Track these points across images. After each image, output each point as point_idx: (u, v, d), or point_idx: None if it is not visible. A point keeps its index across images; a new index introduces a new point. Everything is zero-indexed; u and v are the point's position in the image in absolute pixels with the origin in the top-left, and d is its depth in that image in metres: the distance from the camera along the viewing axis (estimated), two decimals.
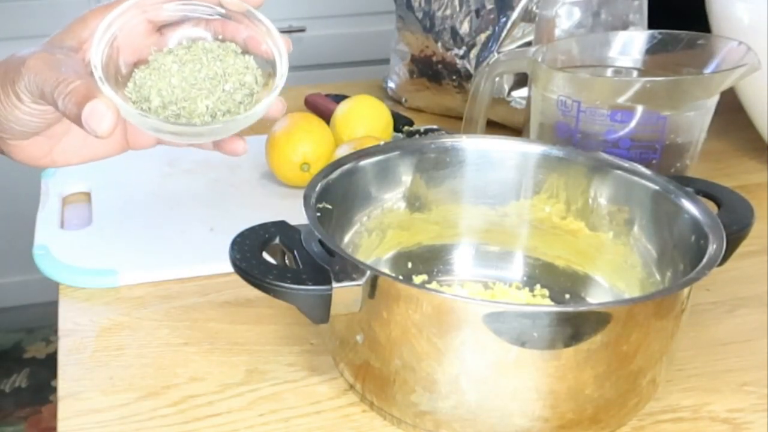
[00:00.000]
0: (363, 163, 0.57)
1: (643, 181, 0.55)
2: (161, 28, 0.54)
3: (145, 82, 0.51)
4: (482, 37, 0.88)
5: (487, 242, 0.61)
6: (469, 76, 0.89)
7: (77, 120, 0.47)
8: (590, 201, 0.58)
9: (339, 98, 0.90)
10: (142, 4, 0.52)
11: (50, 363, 1.85)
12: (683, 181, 0.55)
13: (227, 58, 0.52)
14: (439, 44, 0.92)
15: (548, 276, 0.60)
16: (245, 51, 0.53)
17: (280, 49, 0.51)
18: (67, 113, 0.47)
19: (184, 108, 0.50)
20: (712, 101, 0.65)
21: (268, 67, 0.52)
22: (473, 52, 0.89)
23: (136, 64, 0.53)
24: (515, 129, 0.88)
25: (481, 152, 0.60)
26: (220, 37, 0.54)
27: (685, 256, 0.50)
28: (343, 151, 0.73)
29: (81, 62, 0.51)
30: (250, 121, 0.50)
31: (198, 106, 0.50)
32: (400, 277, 0.59)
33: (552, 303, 0.58)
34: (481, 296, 0.59)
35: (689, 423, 0.50)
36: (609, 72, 0.72)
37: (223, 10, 0.53)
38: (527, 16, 0.85)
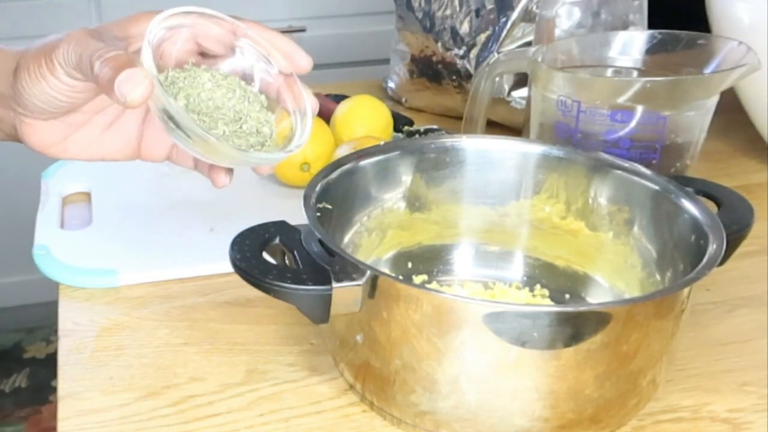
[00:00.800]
0: (363, 163, 0.57)
1: (643, 181, 0.55)
2: (205, 54, 0.54)
3: (177, 83, 0.51)
4: (482, 37, 0.88)
5: (487, 242, 0.61)
6: (469, 76, 0.89)
7: (110, 84, 0.45)
8: (590, 201, 0.58)
9: (339, 98, 0.90)
10: (198, 24, 0.52)
11: (50, 363, 1.85)
12: (683, 181, 0.55)
13: (254, 104, 0.52)
14: (439, 44, 0.92)
15: (548, 276, 0.60)
16: (271, 106, 0.53)
17: (306, 118, 0.52)
18: (101, 77, 0.46)
19: (204, 122, 0.50)
20: (712, 101, 0.65)
21: (287, 127, 0.53)
22: (473, 52, 0.89)
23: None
24: (515, 129, 0.88)
25: (481, 152, 0.60)
26: (253, 83, 0.54)
27: (685, 256, 0.50)
28: (343, 151, 0.73)
29: (124, 48, 0.50)
30: (266, 161, 0.50)
31: (218, 126, 0.50)
32: (400, 277, 0.59)
33: (552, 303, 0.58)
34: (481, 296, 0.59)
35: (689, 423, 0.50)
36: (609, 72, 0.72)
37: (266, 59, 0.53)
38: (527, 16, 0.85)
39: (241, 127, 0.51)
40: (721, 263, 0.47)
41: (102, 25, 0.52)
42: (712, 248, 0.47)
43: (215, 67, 0.53)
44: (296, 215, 0.50)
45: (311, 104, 0.52)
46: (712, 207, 0.53)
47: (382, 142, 0.62)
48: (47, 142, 0.54)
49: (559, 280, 0.59)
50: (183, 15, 0.51)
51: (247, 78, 0.53)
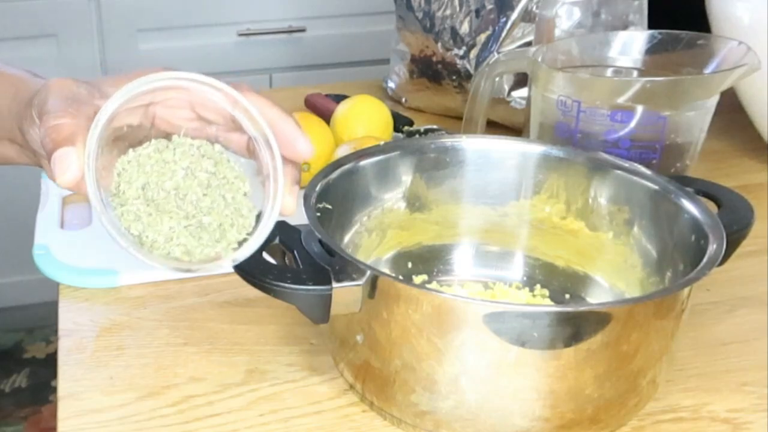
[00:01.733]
0: (363, 163, 0.57)
1: (643, 181, 0.55)
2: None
3: (143, 165, 0.46)
4: (482, 37, 0.88)
5: (487, 242, 0.61)
6: (469, 76, 0.89)
7: (49, 158, 0.43)
8: (590, 201, 0.58)
9: (339, 98, 0.90)
10: (195, 91, 0.46)
11: (50, 363, 1.84)
12: (683, 181, 0.55)
13: (230, 194, 0.47)
14: (439, 44, 0.92)
15: (548, 276, 0.60)
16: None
17: (267, 220, 0.46)
18: (43, 145, 0.44)
19: (150, 215, 0.45)
20: (712, 101, 0.65)
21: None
22: (473, 52, 0.89)
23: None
24: (515, 129, 0.88)
25: (481, 152, 0.60)
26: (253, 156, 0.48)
27: (685, 256, 0.50)
28: (343, 151, 0.73)
29: (96, 107, 0.45)
30: (196, 271, 0.45)
31: (161, 223, 0.45)
32: (400, 277, 0.59)
33: (552, 303, 0.58)
34: (481, 296, 0.59)
35: (689, 423, 0.50)
36: (609, 72, 0.72)
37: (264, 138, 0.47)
38: (527, 16, 0.84)
39: (201, 221, 0.45)
40: (721, 263, 0.47)
41: (107, 78, 0.50)
42: (712, 248, 0.47)
43: (212, 136, 0.49)
44: (296, 215, 0.50)
45: (276, 208, 0.46)
46: (712, 207, 0.53)
47: (382, 142, 0.62)
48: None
49: (559, 280, 0.59)
50: (173, 81, 0.46)
51: (247, 151, 0.49)
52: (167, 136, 0.48)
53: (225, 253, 0.46)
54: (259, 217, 0.47)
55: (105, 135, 0.44)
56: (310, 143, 0.48)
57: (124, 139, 0.47)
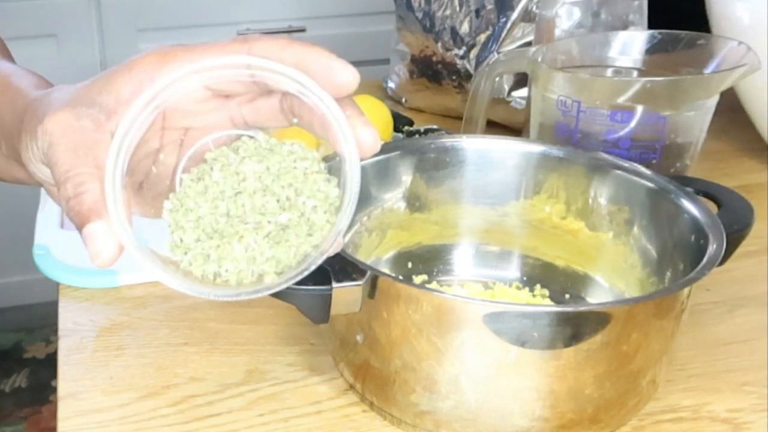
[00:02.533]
0: (363, 163, 0.57)
1: (643, 181, 0.55)
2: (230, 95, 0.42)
3: (184, 201, 0.40)
4: (482, 37, 0.88)
5: (487, 242, 0.61)
6: (469, 76, 0.89)
7: (79, 230, 0.38)
8: (590, 201, 0.58)
9: None
10: (201, 68, 0.39)
11: (50, 363, 1.84)
12: (683, 181, 0.55)
13: (305, 183, 0.40)
14: (439, 44, 0.92)
15: (548, 276, 0.60)
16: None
17: (350, 183, 0.39)
18: (69, 216, 0.39)
19: (217, 246, 0.39)
20: (712, 101, 0.65)
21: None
22: (473, 52, 0.89)
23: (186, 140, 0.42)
24: (515, 129, 0.88)
25: (481, 152, 0.60)
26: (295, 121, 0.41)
27: (685, 256, 0.50)
28: None
29: (107, 140, 0.39)
30: (282, 283, 0.38)
31: (231, 247, 0.38)
32: (400, 277, 0.59)
33: (552, 303, 0.58)
34: (481, 296, 0.59)
35: (689, 423, 0.50)
36: (609, 72, 0.72)
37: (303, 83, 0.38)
38: (527, 16, 0.84)
39: (278, 222, 0.39)
40: (721, 263, 0.47)
41: (93, 82, 0.42)
42: (712, 248, 0.47)
43: (236, 116, 0.42)
44: None
45: (354, 152, 0.39)
46: (712, 207, 0.53)
47: (382, 142, 0.62)
48: (48, 182, 0.44)
49: (559, 280, 0.59)
50: (162, 90, 0.39)
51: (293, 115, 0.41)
52: (185, 132, 0.43)
53: (322, 236, 0.39)
54: (340, 181, 0.40)
55: (127, 181, 0.39)
56: (351, 68, 0.39)
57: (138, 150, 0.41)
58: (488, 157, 0.60)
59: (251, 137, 0.42)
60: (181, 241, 0.39)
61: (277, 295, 0.45)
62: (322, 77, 0.38)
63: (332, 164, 0.40)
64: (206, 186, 0.40)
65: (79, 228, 0.38)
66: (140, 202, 0.44)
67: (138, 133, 0.39)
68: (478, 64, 0.88)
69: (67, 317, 0.60)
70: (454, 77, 0.92)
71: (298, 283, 0.45)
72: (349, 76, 0.39)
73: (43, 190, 0.77)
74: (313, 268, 0.38)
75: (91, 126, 0.40)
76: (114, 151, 0.38)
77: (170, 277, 0.38)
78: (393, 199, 0.59)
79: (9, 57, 0.62)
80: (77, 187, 0.38)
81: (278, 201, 0.39)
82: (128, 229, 0.38)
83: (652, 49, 0.71)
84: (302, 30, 1.78)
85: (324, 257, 0.38)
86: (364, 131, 0.39)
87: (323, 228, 0.39)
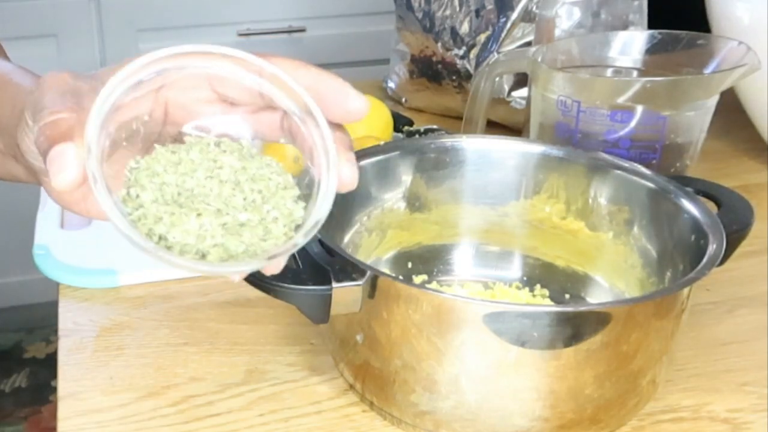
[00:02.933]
0: (363, 163, 0.57)
1: (643, 181, 0.55)
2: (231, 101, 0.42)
3: (157, 160, 0.40)
4: (482, 37, 0.88)
5: (487, 242, 0.61)
6: (469, 76, 0.89)
7: (44, 158, 0.37)
8: (590, 201, 0.58)
9: None
10: (212, 66, 0.40)
11: (50, 363, 1.84)
12: (683, 181, 0.55)
13: (271, 189, 0.41)
14: (439, 44, 0.92)
15: (548, 276, 0.60)
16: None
17: (322, 202, 0.40)
18: (37, 146, 0.38)
19: (172, 214, 0.38)
20: (712, 101, 0.65)
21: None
22: (473, 52, 0.89)
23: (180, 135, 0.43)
24: (515, 129, 0.88)
25: (481, 152, 0.60)
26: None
27: (685, 256, 0.50)
28: None
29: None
30: (230, 272, 0.38)
31: (188, 221, 0.38)
32: (400, 277, 0.59)
33: (552, 303, 0.58)
34: (481, 296, 0.59)
35: (689, 423, 0.50)
36: (609, 72, 0.72)
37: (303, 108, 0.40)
38: (527, 16, 0.84)
39: (238, 219, 0.39)
40: (721, 263, 0.47)
41: (103, 69, 0.43)
42: (712, 248, 0.47)
43: (243, 116, 0.43)
44: None
45: (333, 182, 0.39)
46: (712, 207, 0.53)
47: (382, 142, 0.62)
48: (66, 200, 0.43)
49: (559, 280, 0.59)
50: (181, 57, 0.39)
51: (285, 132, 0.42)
52: (181, 134, 0.42)
53: (275, 245, 0.39)
54: (308, 206, 0.41)
55: (112, 132, 0.39)
56: (363, 97, 0.40)
57: (134, 139, 0.42)
58: (488, 157, 0.60)
59: (236, 140, 0.42)
60: (137, 196, 0.39)
61: (277, 295, 0.45)
62: (333, 101, 0.40)
63: (305, 182, 0.41)
64: (180, 159, 0.40)
65: (46, 151, 0.37)
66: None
67: (132, 91, 0.39)
68: (478, 64, 0.88)
69: (67, 317, 0.60)
70: (454, 77, 0.92)
71: (298, 283, 0.45)
72: (360, 103, 0.40)
73: (43, 190, 0.77)
74: (251, 269, 0.39)
75: (87, 87, 0.41)
76: (105, 93, 0.37)
77: (121, 219, 0.37)
78: (393, 199, 0.59)
79: (5, 56, 0.62)
80: (54, 114, 0.38)
81: (245, 200, 0.40)
82: (98, 166, 0.37)
83: (652, 49, 0.71)
84: (302, 30, 1.78)
85: (267, 264, 0.38)
86: (347, 167, 0.40)
87: (278, 238, 0.39)
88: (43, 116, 0.38)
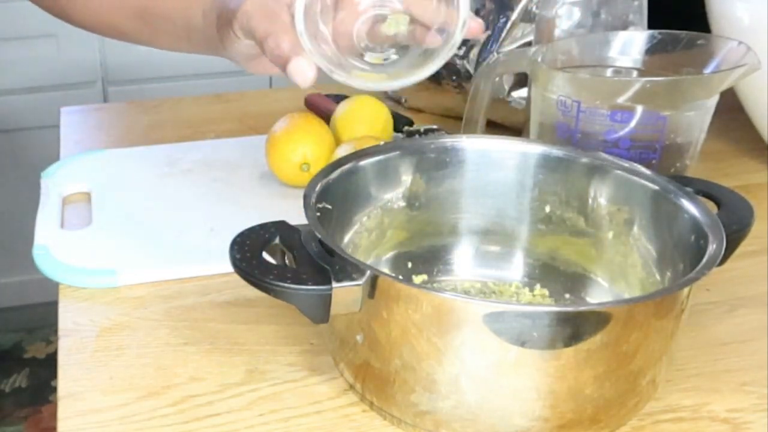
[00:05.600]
0: (363, 163, 0.57)
1: (643, 181, 0.55)
2: None
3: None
4: (482, 37, 0.88)
5: (487, 242, 0.61)
6: (469, 76, 0.89)
7: (283, 71, 0.53)
8: (590, 201, 0.58)
9: (339, 98, 0.90)
10: None
11: (50, 363, 1.85)
12: (683, 181, 0.55)
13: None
14: None
15: (548, 276, 0.60)
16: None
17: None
18: (274, 63, 0.53)
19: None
20: (712, 101, 0.65)
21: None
22: (473, 52, 0.89)
23: None
24: (515, 129, 0.88)
25: (481, 152, 0.60)
26: None
27: (685, 256, 0.50)
28: (343, 151, 0.73)
29: (285, 8, 0.54)
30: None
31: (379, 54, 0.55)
32: (400, 277, 0.59)
33: (552, 303, 0.58)
34: (481, 296, 0.59)
35: (689, 423, 0.50)
36: (609, 72, 0.72)
37: None
38: (527, 17, 0.84)
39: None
40: (721, 263, 0.47)
41: None
42: (712, 248, 0.47)
43: None
44: (296, 215, 0.50)
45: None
46: (712, 207, 0.53)
47: (382, 142, 0.62)
48: (246, 56, 0.60)
49: (559, 280, 0.59)
50: None
51: None
52: None
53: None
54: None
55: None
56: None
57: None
58: (488, 157, 0.60)
59: None
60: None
61: (277, 295, 0.45)
62: None
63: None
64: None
65: (284, 67, 0.52)
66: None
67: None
68: (478, 64, 0.88)
69: (67, 317, 0.60)
70: (454, 77, 0.92)
71: (298, 283, 0.45)
72: None
73: (42, 190, 0.77)
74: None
75: (272, 3, 0.54)
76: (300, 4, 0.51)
77: (346, 74, 0.52)
78: (393, 199, 0.59)
79: None
80: (276, 39, 0.52)
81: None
82: (316, 52, 0.51)
83: (652, 49, 0.71)
84: None
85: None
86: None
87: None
88: (267, 42, 0.53)
